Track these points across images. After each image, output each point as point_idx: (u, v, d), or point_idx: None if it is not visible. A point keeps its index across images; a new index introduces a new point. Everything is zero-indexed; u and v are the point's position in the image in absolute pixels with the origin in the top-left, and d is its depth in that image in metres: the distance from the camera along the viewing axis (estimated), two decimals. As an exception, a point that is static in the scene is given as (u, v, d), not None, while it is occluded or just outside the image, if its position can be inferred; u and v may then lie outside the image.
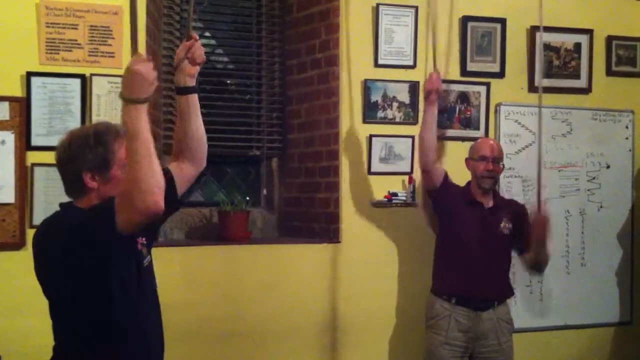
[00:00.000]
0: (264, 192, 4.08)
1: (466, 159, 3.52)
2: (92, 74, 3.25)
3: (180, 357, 3.24)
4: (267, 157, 4.07)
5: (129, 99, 1.78)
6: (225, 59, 4.17)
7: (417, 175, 3.80)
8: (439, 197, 3.47)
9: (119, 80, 3.20)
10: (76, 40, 3.24)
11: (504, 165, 3.54)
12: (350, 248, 3.72)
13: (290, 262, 3.66)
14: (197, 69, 2.22)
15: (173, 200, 2.11)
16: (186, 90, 2.20)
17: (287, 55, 4.06)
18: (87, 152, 1.93)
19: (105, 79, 3.26)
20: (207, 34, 4.07)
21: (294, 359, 3.64)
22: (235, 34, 4.14)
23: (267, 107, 4.08)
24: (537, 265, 3.41)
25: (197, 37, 2.26)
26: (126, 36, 3.28)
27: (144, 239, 2.08)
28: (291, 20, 4.03)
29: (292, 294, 3.63)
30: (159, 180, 1.78)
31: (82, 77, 3.23)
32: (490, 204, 3.46)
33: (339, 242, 3.72)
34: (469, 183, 3.53)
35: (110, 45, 3.28)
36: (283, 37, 4.08)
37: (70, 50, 3.23)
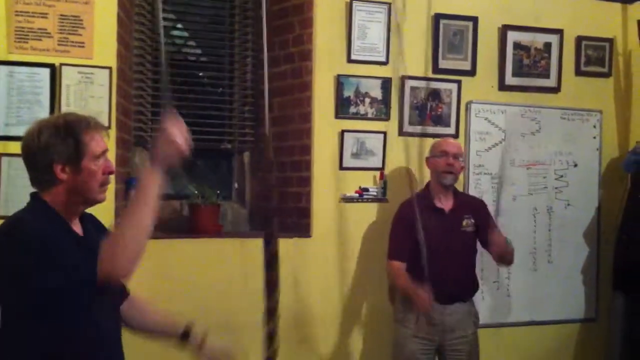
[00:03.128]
0: (235, 185, 4.07)
1: (427, 158, 3.57)
2: (61, 64, 3.20)
3: (150, 350, 3.22)
4: (239, 150, 4.06)
5: (163, 168, 1.82)
6: (198, 51, 4.15)
7: (388, 171, 3.83)
8: None
9: (89, 70, 3.21)
10: (46, 30, 3.19)
11: (464, 163, 3.58)
12: (321, 242, 3.73)
13: (260, 256, 3.64)
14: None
15: None
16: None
17: (261, 49, 4.04)
18: (58, 143, 1.90)
19: (75, 69, 3.21)
20: (179, 25, 4.04)
21: (265, 351, 3.63)
22: (208, 27, 4.11)
23: (240, 100, 4.07)
24: (503, 259, 3.49)
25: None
26: (97, 26, 3.25)
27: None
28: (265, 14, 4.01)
29: (262, 288, 3.62)
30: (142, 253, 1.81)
31: (51, 66, 3.18)
32: (450, 205, 3.49)
33: (310, 236, 3.72)
34: (427, 185, 3.57)
35: (80, 35, 3.23)
36: (257, 31, 4.06)
37: (39, 40, 3.18)
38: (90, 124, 1.95)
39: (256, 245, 3.65)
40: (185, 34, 4.07)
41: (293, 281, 3.67)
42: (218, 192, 3.80)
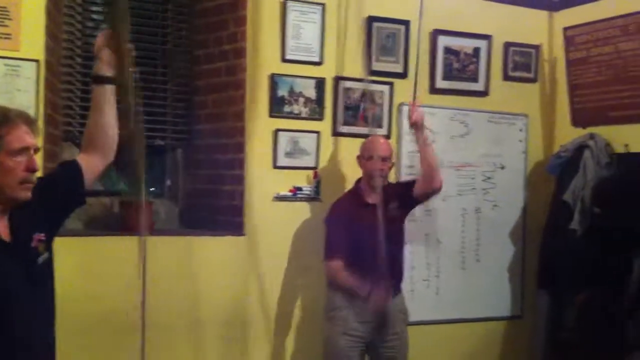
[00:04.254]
0: (168, 182, 4.03)
1: (358, 157, 3.59)
2: (-13, 56, 3.11)
3: (81, 349, 3.17)
4: (171, 147, 4.02)
5: None
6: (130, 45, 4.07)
7: (322, 170, 3.86)
8: None
9: (15, 63, 3.12)
10: (-29, 20, 3.10)
11: (393, 163, 3.64)
12: (254, 241, 3.72)
13: (193, 254, 3.62)
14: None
15: (80, 193, 2.06)
16: (103, 80, 2.15)
17: (195, 45, 4.03)
18: None
19: (1, 62, 3.12)
20: (111, 20, 3.97)
21: (198, 351, 3.61)
22: (141, 21, 4.04)
23: (173, 97, 4.03)
24: (432, 177, 3.56)
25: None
26: (25, 18, 3.17)
27: (42, 234, 1.99)
28: (200, 10, 3.99)
29: (195, 286, 3.60)
30: None
31: (-24, 58, 3.09)
32: (379, 199, 3.52)
33: (243, 234, 3.72)
34: (358, 181, 3.61)
35: (7, 26, 3.14)
36: (191, 27, 4.04)
37: (-37, 30, 3.08)
38: (10, 118, 1.88)
39: (188, 243, 3.65)
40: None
41: (225, 279, 3.66)
42: (151, 189, 3.75)
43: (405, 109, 4.05)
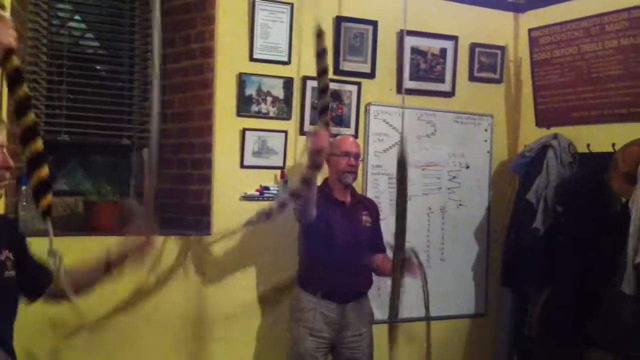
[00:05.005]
0: (134, 182, 4.00)
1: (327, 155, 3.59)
2: None
3: (43, 350, 3.13)
4: (138, 147, 3.99)
5: None
6: (96, 43, 4.04)
7: (289, 170, 3.87)
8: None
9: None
10: None
11: (362, 160, 3.68)
12: (220, 241, 3.72)
13: (160, 254, 3.60)
14: None
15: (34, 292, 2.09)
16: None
17: (163, 44, 4.00)
18: None
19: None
20: (77, 17, 3.93)
21: (162, 351, 3.60)
22: (107, 19, 4.01)
23: (140, 95, 4.00)
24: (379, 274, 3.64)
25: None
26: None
27: (10, 253, 1.96)
28: (167, 9, 3.97)
29: (161, 286, 3.59)
30: None
31: None
32: (349, 199, 3.58)
33: (210, 234, 3.71)
34: (326, 180, 3.62)
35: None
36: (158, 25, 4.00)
37: None
38: None
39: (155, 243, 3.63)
40: (84, 25, 3.96)
41: (192, 279, 3.65)
42: (116, 189, 3.72)
43: (373, 108, 4.09)
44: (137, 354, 3.51)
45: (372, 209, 3.71)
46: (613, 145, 3.85)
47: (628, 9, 3.83)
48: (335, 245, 3.44)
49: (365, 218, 3.60)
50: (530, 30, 4.45)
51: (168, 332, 3.61)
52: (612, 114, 3.99)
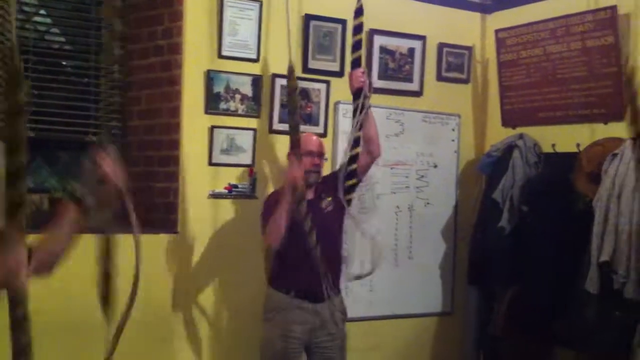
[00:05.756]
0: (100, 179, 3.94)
1: (289, 154, 3.56)
2: None
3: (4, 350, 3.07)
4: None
5: None
6: (62, 39, 3.98)
7: (258, 167, 3.86)
8: None
9: None
10: None
11: (326, 159, 3.67)
12: (188, 238, 3.69)
13: (126, 252, 3.55)
14: None
15: None
16: None
17: (129, 39, 3.96)
18: None
19: None
20: (42, 11, 3.87)
21: (130, 349, 3.54)
22: (73, 14, 3.96)
23: (106, 92, 3.94)
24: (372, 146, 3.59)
25: None
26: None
27: None
28: (134, 5, 3.93)
29: (128, 285, 3.54)
30: None
31: None
32: (312, 195, 3.52)
33: (177, 232, 3.68)
34: None
35: None
36: (125, 21, 3.95)
37: None
38: None
39: (121, 241, 3.58)
40: (49, 20, 3.90)
41: (159, 277, 3.61)
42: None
43: (341, 106, 4.09)
44: (102, 354, 3.46)
45: (329, 183, 3.59)
46: (577, 145, 3.91)
47: (593, 11, 3.90)
48: (304, 243, 3.42)
49: (325, 203, 3.51)
50: (497, 31, 4.49)
51: (134, 332, 3.56)
52: (576, 115, 4.06)
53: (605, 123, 3.89)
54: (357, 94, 3.48)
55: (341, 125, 4.12)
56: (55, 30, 3.95)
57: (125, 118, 3.96)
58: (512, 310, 4.03)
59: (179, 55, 3.69)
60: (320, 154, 3.55)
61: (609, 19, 3.81)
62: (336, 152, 4.08)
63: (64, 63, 3.96)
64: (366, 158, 3.57)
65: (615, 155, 3.57)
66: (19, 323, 1.98)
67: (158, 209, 3.79)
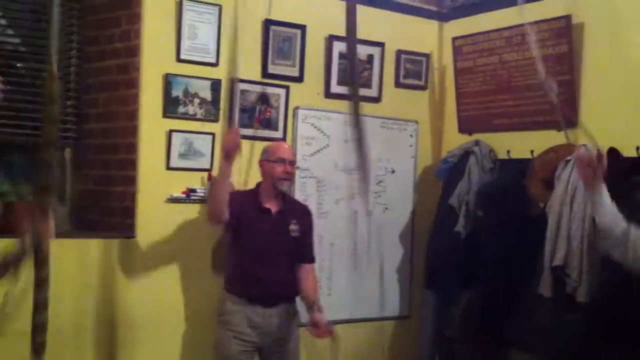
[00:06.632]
0: (55, 183, 3.88)
1: (260, 161, 3.58)
2: None
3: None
4: (60, 146, 3.88)
5: None
6: (17, 40, 3.91)
7: (216, 172, 3.83)
8: (231, 222, 3.45)
9: None
10: None
11: (298, 167, 3.68)
12: (145, 243, 3.66)
13: (82, 257, 3.52)
14: None
15: None
16: None
17: (86, 42, 3.91)
18: None
19: None
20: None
21: (85, 355, 3.51)
22: (28, 15, 3.89)
23: (62, 94, 3.88)
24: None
25: None
26: None
27: None
28: (91, 7, 3.88)
29: (84, 290, 3.50)
30: None
31: None
32: (278, 207, 3.53)
33: (134, 236, 3.64)
34: (258, 185, 3.61)
35: None
36: (82, 23, 3.91)
37: None
38: None
39: (77, 245, 3.54)
40: (3, 21, 3.82)
41: (115, 282, 3.58)
42: (35, 189, 3.61)
43: (301, 112, 4.10)
44: (59, 358, 3.40)
45: (304, 217, 3.65)
46: (532, 152, 3.99)
47: (548, 20, 3.98)
48: (259, 254, 3.43)
49: (293, 227, 3.55)
50: (454, 39, 4.56)
51: (91, 337, 3.52)
52: (530, 122, 4.13)
53: (559, 130, 3.98)
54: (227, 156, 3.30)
55: (300, 130, 4.13)
56: (9, 31, 3.87)
57: (81, 121, 3.91)
58: (467, 313, 4.09)
59: (137, 58, 3.66)
60: (292, 162, 3.57)
61: (564, 28, 3.90)
62: (295, 157, 4.07)
63: (18, 65, 3.88)
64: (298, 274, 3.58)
65: (568, 161, 3.64)
66: (42, 281, 2.25)
67: (115, 213, 3.74)
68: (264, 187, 3.56)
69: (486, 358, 4.10)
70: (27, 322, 2.38)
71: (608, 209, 2.88)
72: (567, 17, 3.88)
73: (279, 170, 3.49)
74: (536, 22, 4.03)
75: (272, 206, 3.52)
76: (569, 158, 3.64)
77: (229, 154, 3.29)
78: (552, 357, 3.58)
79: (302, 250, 3.59)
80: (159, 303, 3.70)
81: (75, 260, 3.49)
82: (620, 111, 3.68)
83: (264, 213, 3.50)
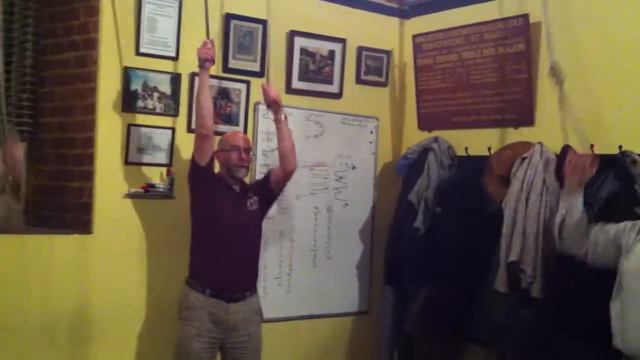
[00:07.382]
0: (10, 177, 3.81)
1: (217, 152, 3.56)
2: None
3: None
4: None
5: None
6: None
7: (176, 167, 3.81)
8: (205, 174, 3.46)
9: None
10: None
11: (253, 155, 3.69)
12: (103, 239, 3.61)
13: (37, 254, 3.46)
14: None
15: None
16: None
17: (43, 34, 3.84)
18: None
19: None
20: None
21: (41, 355, 3.45)
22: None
23: (17, 87, 3.81)
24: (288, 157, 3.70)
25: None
26: None
27: None
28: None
29: (39, 287, 3.44)
30: None
31: None
32: (238, 189, 3.58)
33: (91, 233, 3.59)
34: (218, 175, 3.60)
35: None
36: (39, 15, 3.84)
37: None
38: None
39: (33, 241, 3.47)
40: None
41: (73, 279, 3.53)
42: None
43: (261, 107, 4.08)
44: (17, 357, 3.36)
45: (255, 187, 3.72)
46: (489, 149, 4.05)
47: (504, 19, 4.04)
48: (222, 232, 3.42)
49: (250, 202, 3.57)
50: (414, 37, 4.59)
51: (49, 335, 3.47)
52: (488, 120, 4.19)
53: (516, 127, 4.04)
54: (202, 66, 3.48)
55: (261, 126, 4.12)
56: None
57: (37, 114, 3.84)
58: (425, 309, 4.12)
59: (95, 51, 3.60)
60: (247, 149, 3.58)
61: (521, 27, 3.95)
62: (255, 152, 4.08)
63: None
64: (279, 172, 3.67)
65: (524, 159, 3.70)
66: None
67: (72, 209, 3.69)
68: (222, 177, 3.56)
69: (444, 353, 4.14)
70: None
71: (580, 209, 2.94)
72: (525, 16, 3.93)
73: (234, 157, 3.51)
74: (494, 21, 4.10)
75: (234, 187, 3.54)
76: (525, 155, 3.70)
77: (204, 64, 3.44)
78: (508, 352, 3.64)
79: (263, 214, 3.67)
80: (118, 300, 3.66)
81: (30, 257, 3.43)
82: (575, 109, 3.75)
83: (228, 189, 3.53)
